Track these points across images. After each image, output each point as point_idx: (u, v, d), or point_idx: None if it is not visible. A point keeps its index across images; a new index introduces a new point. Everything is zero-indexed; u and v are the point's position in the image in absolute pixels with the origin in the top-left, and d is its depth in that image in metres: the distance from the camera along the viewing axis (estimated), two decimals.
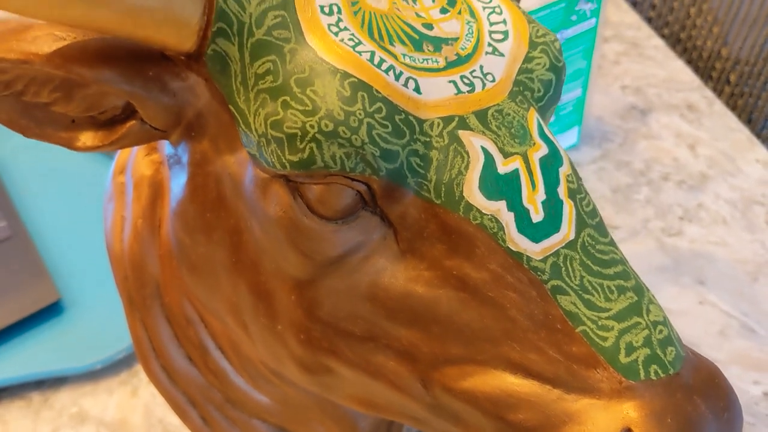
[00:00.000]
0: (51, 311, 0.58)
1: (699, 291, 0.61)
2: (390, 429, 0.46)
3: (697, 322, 0.59)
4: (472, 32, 0.30)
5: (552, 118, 0.68)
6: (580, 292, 0.28)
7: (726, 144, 0.72)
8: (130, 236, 0.39)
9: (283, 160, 0.27)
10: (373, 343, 0.30)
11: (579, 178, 0.30)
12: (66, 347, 0.56)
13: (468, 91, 0.29)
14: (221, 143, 0.30)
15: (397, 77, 0.28)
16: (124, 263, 0.40)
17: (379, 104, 0.27)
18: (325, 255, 0.29)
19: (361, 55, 0.27)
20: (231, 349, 0.39)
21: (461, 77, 0.29)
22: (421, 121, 0.28)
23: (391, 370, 0.30)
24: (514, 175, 0.28)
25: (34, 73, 0.28)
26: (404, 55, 0.28)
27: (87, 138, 0.31)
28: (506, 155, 0.28)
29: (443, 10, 0.30)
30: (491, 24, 0.31)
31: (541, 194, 0.29)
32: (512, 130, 0.29)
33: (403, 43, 0.29)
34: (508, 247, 0.28)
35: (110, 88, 0.28)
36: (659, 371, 0.27)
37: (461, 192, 0.28)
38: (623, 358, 0.27)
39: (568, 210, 0.29)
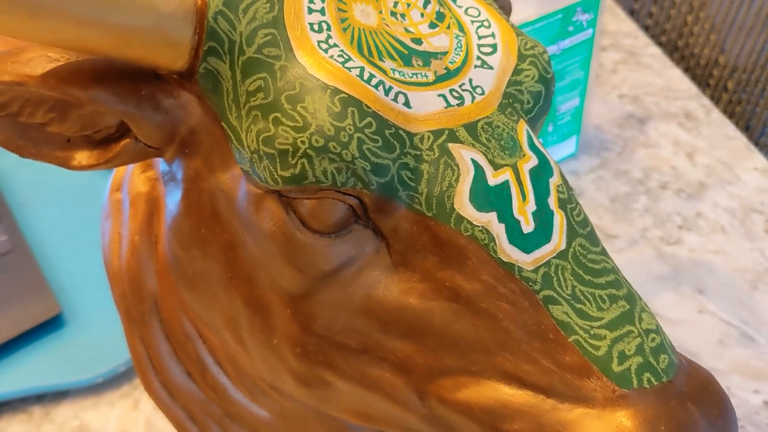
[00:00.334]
0: (52, 325, 0.58)
1: (698, 300, 0.61)
2: None
3: (697, 331, 0.59)
4: (461, 46, 0.31)
5: (550, 128, 0.69)
6: (572, 302, 0.28)
7: (724, 152, 0.72)
8: (128, 253, 0.39)
9: (276, 176, 0.27)
10: (368, 355, 0.30)
11: (570, 188, 0.31)
12: (67, 361, 0.56)
13: (457, 105, 0.29)
14: (214, 160, 0.30)
15: (387, 92, 0.28)
16: (122, 279, 0.40)
17: (369, 119, 0.27)
18: (319, 269, 0.29)
19: (350, 71, 0.28)
20: (229, 364, 0.39)
21: (450, 91, 0.29)
22: (411, 135, 0.28)
23: (386, 383, 0.30)
24: (505, 186, 0.29)
25: (29, 94, 0.28)
26: (393, 70, 0.29)
27: (82, 157, 0.31)
28: (496, 167, 0.29)
29: (432, 25, 0.31)
30: (480, 37, 0.31)
31: (531, 205, 0.29)
32: (502, 142, 0.29)
33: (392, 58, 0.29)
34: (499, 258, 0.28)
35: (104, 108, 0.29)
36: (652, 379, 0.27)
37: (452, 204, 0.28)
38: (616, 367, 0.27)
39: (559, 220, 0.29)
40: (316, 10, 0.29)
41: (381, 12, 0.30)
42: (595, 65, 0.67)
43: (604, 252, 0.30)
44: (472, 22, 0.32)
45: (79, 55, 0.28)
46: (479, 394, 0.28)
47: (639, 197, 0.68)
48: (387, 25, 0.30)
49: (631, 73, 0.80)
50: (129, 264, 0.39)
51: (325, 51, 0.28)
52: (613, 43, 0.83)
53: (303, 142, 0.27)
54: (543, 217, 0.29)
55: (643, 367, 0.27)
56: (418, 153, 0.28)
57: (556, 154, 0.71)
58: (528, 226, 0.28)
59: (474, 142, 0.29)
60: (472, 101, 0.30)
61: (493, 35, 0.32)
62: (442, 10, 0.31)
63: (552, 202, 0.29)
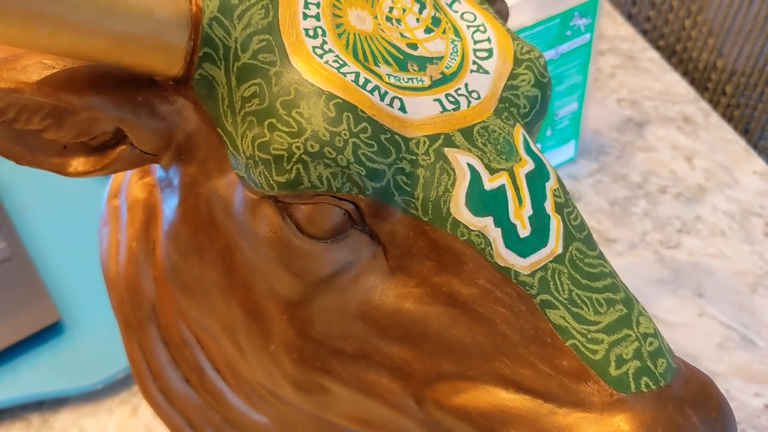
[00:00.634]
0: (51, 332, 0.58)
1: (698, 303, 0.61)
2: None
3: (697, 334, 0.59)
4: (457, 51, 0.31)
5: (549, 132, 0.69)
6: (569, 306, 0.28)
7: (723, 156, 0.72)
8: (125, 259, 0.39)
9: (271, 181, 0.27)
10: (365, 361, 0.30)
11: (566, 193, 0.31)
12: (66, 367, 0.56)
13: (453, 109, 0.29)
14: (211, 165, 0.30)
15: (382, 97, 0.28)
16: (120, 286, 0.40)
17: (364, 124, 0.27)
18: (316, 274, 0.29)
19: (345, 76, 0.28)
20: (227, 369, 0.39)
21: (446, 95, 0.29)
22: (407, 140, 0.28)
23: (384, 388, 0.30)
24: (501, 191, 0.29)
25: (25, 101, 0.28)
26: (389, 75, 0.29)
27: (79, 164, 0.31)
28: (492, 171, 0.29)
29: (428, 30, 0.31)
30: (475, 42, 0.31)
31: (527, 209, 0.29)
32: (498, 146, 0.29)
33: (387, 63, 0.29)
34: (496, 263, 0.28)
35: (100, 114, 0.29)
36: (650, 383, 0.27)
37: (448, 209, 0.28)
38: (613, 371, 0.27)
39: (556, 224, 0.29)
40: (311, 16, 0.29)
41: (376, 17, 0.30)
42: (593, 70, 0.67)
43: (601, 256, 0.30)
44: (468, 26, 0.32)
45: (74, 62, 0.28)
46: (477, 398, 0.28)
47: (638, 201, 0.68)
48: (382, 30, 0.30)
49: (630, 78, 0.80)
50: (126, 270, 0.39)
51: (320, 56, 0.28)
52: (611, 47, 0.83)
53: (298, 148, 0.27)
54: (539, 221, 0.29)
55: (641, 372, 0.27)
56: (414, 158, 0.28)
57: (554, 158, 0.71)
58: (524, 231, 0.28)
59: (470, 146, 0.29)
60: (468, 106, 0.30)
61: (488, 40, 0.32)
62: (437, 15, 0.31)
63: (548, 206, 0.29)
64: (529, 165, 0.30)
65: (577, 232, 0.30)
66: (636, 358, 0.27)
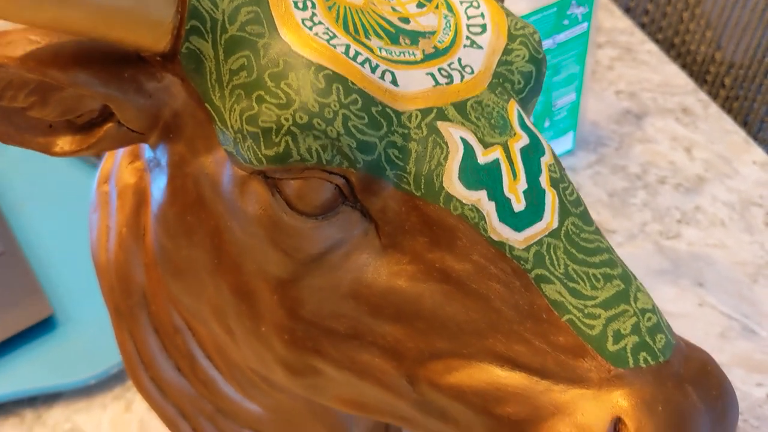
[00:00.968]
0: (44, 326, 0.57)
1: (698, 293, 0.60)
2: None
3: (698, 324, 0.58)
4: (450, 26, 0.30)
5: (546, 123, 0.68)
6: (565, 281, 0.27)
7: (722, 146, 0.71)
8: (115, 245, 0.39)
9: (260, 155, 0.27)
10: (357, 341, 0.30)
11: (562, 168, 0.30)
12: (59, 363, 0.56)
13: (446, 83, 0.29)
14: (198, 143, 0.30)
15: (373, 70, 0.28)
16: (110, 273, 0.39)
17: (354, 96, 0.27)
18: (306, 252, 0.29)
19: (335, 48, 0.27)
20: (219, 356, 0.38)
21: (439, 69, 0.29)
22: (398, 113, 0.28)
23: (376, 368, 0.30)
24: (495, 164, 0.28)
25: (10, 76, 0.28)
26: (380, 49, 0.28)
27: (65, 143, 0.30)
28: (486, 145, 0.28)
29: (420, 5, 0.30)
30: (469, 17, 0.31)
31: (522, 183, 0.28)
32: (492, 120, 0.29)
33: (379, 36, 0.29)
34: (490, 237, 0.27)
35: (85, 90, 0.28)
36: (648, 359, 0.26)
37: (441, 183, 0.27)
38: (611, 346, 0.26)
39: (551, 199, 0.28)
40: None
41: None
42: (591, 61, 0.67)
43: (597, 232, 0.29)
44: (461, 2, 0.31)
45: (61, 37, 0.28)
46: (471, 377, 0.28)
47: (637, 192, 0.67)
48: (373, 4, 0.29)
49: (628, 70, 0.79)
50: (117, 257, 0.39)
51: (310, 29, 0.27)
52: (609, 40, 0.83)
53: (287, 120, 0.26)
54: (534, 195, 0.28)
55: (639, 347, 0.27)
56: (406, 131, 0.28)
57: None
58: (519, 205, 0.28)
59: (463, 120, 0.28)
60: (461, 80, 0.29)
61: (482, 15, 0.31)
62: None
63: (544, 180, 0.29)
64: (524, 140, 0.29)
65: (573, 207, 0.29)
66: (634, 334, 0.27)
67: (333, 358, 0.30)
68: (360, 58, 0.28)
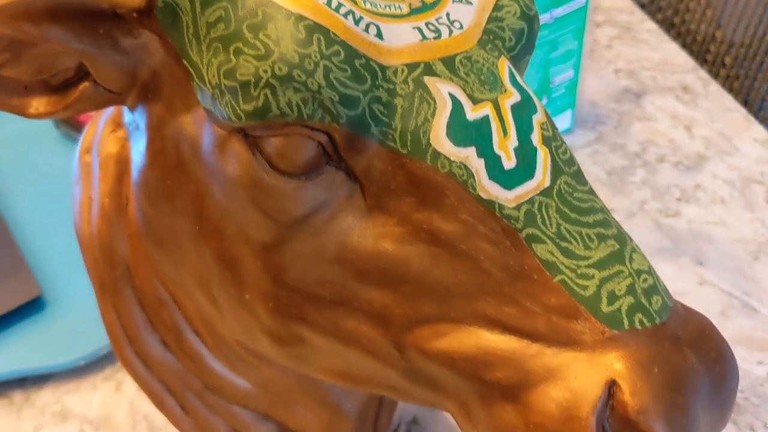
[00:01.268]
0: (32, 307, 0.56)
1: (698, 271, 0.59)
2: (379, 413, 0.44)
3: (698, 302, 0.57)
4: None
5: (544, 101, 0.67)
6: (557, 241, 0.26)
7: (723, 124, 0.70)
8: (98, 217, 0.37)
9: (238, 111, 0.26)
10: (343, 307, 0.29)
11: (555, 128, 0.29)
12: (48, 344, 0.55)
13: (434, 38, 0.28)
14: (177, 103, 0.29)
15: (357, 22, 0.26)
16: (93, 246, 0.38)
17: (336, 47, 0.26)
18: (289, 215, 0.28)
19: None
20: (205, 329, 0.37)
21: (426, 24, 0.28)
22: (383, 68, 0.27)
23: (363, 335, 0.29)
24: (484, 121, 0.27)
25: None
26: (365, 1, 0.27)
27: (40, 104, 0.30)
28: (475, 101, 0.27)
29: None
30: None
31: (513, 141, 0.27)
32: (482, 76, 0.28)
33: None
34: (479, 195, 0.26)
35: (59, 46, 0.27)
36: (644, 320, 0.25)
37: (428, 139, 0.26)
38: (605, 307, 0.25)
39: (543, 157, 0.27)
40: None
41: None
42: (590, 39, 0.66)
43: (592, 192, 0.28)
44: None
45: None
46: (460, 342, 0.27)
47: (636, 170, 0.66)
48: None
49: (627, 48, 0.78)
50: (99, 229, 0.38)
51: None
52: (608, 19, 0.82)
53: (265, 71, 0.25)
54: (525, 153, 0.27)
55: (635, 308, 0.25)
56: (392, 86, 0.27)
57: None
58: (509, 162, 0.27)
59: (452, 75, 0.27)
60: (450, 35, 0.28)
61: None
62: None
63: (535, 138, 0.28)
64: (515, 97, 0.28)
65: (566, 167, 0.28)
66: (629, 294, 0.26)
67: (318, 325, 0.29)
68: (343, 10, 0.26)
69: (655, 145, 0.68)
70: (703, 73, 0.75)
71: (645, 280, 0.26)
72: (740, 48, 0.80)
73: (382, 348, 0.28)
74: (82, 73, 0.29)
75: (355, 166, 0.27)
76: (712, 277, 0.58)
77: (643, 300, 0.26)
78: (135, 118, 0.31)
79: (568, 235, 0.26)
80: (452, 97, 0.27)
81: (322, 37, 0.25)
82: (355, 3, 0.27)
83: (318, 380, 0.39)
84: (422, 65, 0.27)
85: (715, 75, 0.84)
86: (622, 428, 0.24)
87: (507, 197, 0.26)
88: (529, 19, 0.30)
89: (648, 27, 0.80)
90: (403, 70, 0.27)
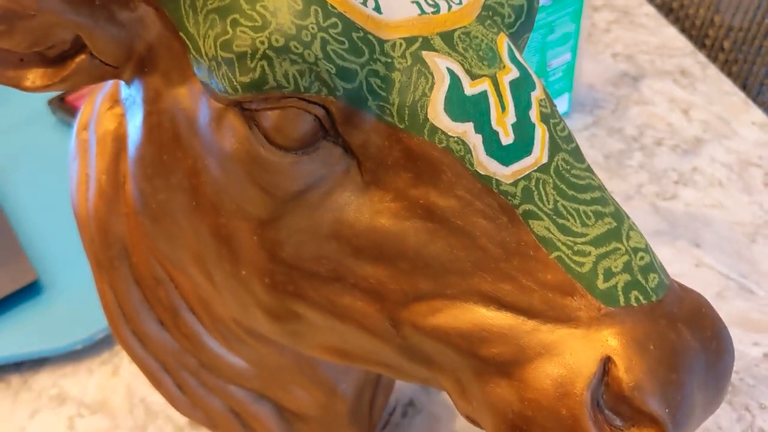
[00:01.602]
0: (28, 292, 0.56)
1: (695, 254, 0.59)
2: (375, 394, 0.44)
3: (695, 284, 0.57)
4: None
5: (548, 77, 0.67)
6: (554, 217, 0.26)
7: (721, 107, 0.70)
8: (95, 194, 0.37)
9: (235, 83, 0.25)
10: (339, 283, 0.28)
11: (553, 105, 0.29)
12: (45, 328, 0.55)
13: (433, 12, 0.27)
14: (174, 76, 0.28)
15: None
16: (90, 224, 0.38)
17: (334, 19, 0.25)
18: (285, 189, 0.27)
19: None
20: (202, 308, 0.37)
21: None
22: (381, 41, 0.26)
23: (359, 312, 0.29)
24: (482, 96, 0.27)
25: None
26: None
27: (36, 76, 0.29)
28: (474, 77, 0.27)
29: None
30: None
31: (511, 117, 0.27)
32: (480, 52, 0.27)
33: None
34: (476, 171, 0.26)
35: (55, 18, 0.27)
36: (640, 297, 0.25)
37: (425, 114, 0.26)
38: (601, 284, 0.25)
39: (541, 133, 0.27)
40: None
41: None
42: (588, 24, 0.65)
43: (589, 169, 0.28)
44: None
45: None
46: (455, 318, 0.27)
47: (633, 154, 0.66)
48: None
49: (625, 32, 0.78)
50: (96, 206, 0.37)
51: None
52: (606, 3, 0.81)
53: (262, 43, 0.25)
54: (523, 129, 0.27)
55: (631, 285, 0.25)
56: (389, 60, 0.26)
57: None
58: (507, 138, 0.27)
59: (450, 51, 0.27)
60: (449, 10, 0.28)
61: None
62: None
63: (534, 115, 0.27)
64: (514, 73, 0.28)
65: (564, 144, 0.28)
66: (626, 272, 0.26)
67: (314, 301, 0.29)
68: None
69: (652, 128, 0.68)
70: (702, 57, 0.75)
71: (642, 257, 0.26)
72: (739, 32, 0.80)
73: (377, 324, 0.28)
74: (78, 46, 0.29)
75: (352, 141, 0.27)
76: (709, 259, 0.58)
77: (640, 277, 0.26)
78: (132, 93, 0.31)
79: (565, 212, 0.26)
80: (450, 72, 0.27)
81: (319, 9, 0.25)
82: None
83: (314, 360, 0.39)
84: (420, 40, 0.27)
85: (714, 59, 0.83)
86: (617, 404, 0.24)
87: (504, 173, 0.26)
88: None
89: (646, 11, 0.80)
90: (401, 44, 0.27)
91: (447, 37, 0.27)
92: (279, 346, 0.37)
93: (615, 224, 0.27)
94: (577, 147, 0.28)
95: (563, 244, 0.26)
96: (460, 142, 0.26)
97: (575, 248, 0.26)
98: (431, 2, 0.28)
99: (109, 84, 0.36)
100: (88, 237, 0.39)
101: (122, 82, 0.32)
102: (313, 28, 0.25)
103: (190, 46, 0.27)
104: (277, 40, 0.25)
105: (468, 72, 0.27)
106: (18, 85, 0.29)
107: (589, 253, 0.26)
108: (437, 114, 0.26)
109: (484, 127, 0.26)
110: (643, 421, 0.24)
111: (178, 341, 0.39)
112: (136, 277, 0.38)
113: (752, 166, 0.65)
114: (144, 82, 0.29)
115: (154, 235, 0.33)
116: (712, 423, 0.49)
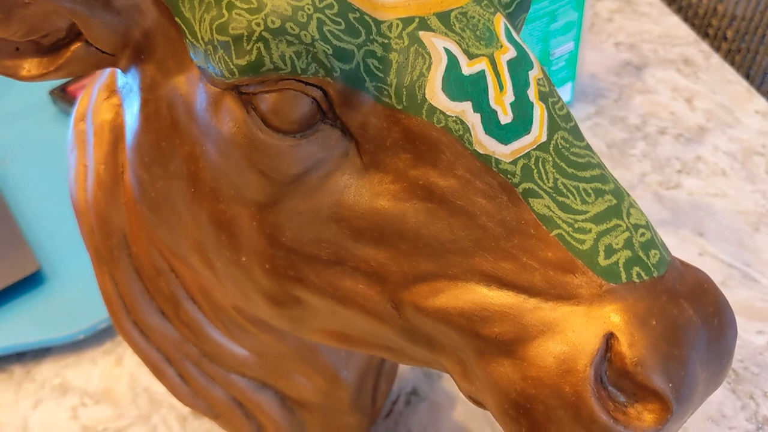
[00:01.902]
0: (31, 282, 0.56)
1: (699, 243, 0.59)
2: (378, 382, 0.44)
3: None
4: None
5: (551, 67, 0.66)
6: (554, 195, 0.26)
7: (724, 96, 0.70)
8: (94, 185, 0.37)
9: (231, 66, 0.25)
10: (340, 267, 0.28)
11: (551, 84, 0.29)
12: (47, 318, 0.55)
13: None
14: (170, 63, 0.28)
15: None
16: (89, 215, 0.38)
17: (330, 0, 0.25)
18: (284, 173, 0.27)
19: None
20: (203, 297, 0.37)
21: None
22: (378, 22, 0.26)
23: (360, 294, 0.28)
24: (480, 76, 0.27)
25: None
26: None
27: (32, 65, 0.29)
28: (471, 57, 0.27)
29: None
30: None
31: (509, 95, 0.27)
32: (477, 32, 0.27)
33: None
34: (475, 150, 0.26)
35: (50, 5, 0.27)
36: (642, 274, 0.25)
37: (423, 94, 0.26)
38: (602, 261, 0.25)
39: (539, 112, 0.27)
40: None
41: None
42: (590, 13, 0.65)
43: (588, 147, 0.28)
44: None
45: None
46: (457, 298, 0.26)
47: (637, 143, 0.66)
48: None
49: (628, 22, 0.77)
50: (95, 197, 0.37)
51: None
52: None
53: (258, 24, 0.25)
54: (522, 107, 0.27)
55: (632, 261, 0.25)
56: (386, 41, 0.26)
57: None
58: (506, 117, 0.26)
59: (447, 31, 0.27)
60: None
61: None
62: None
63: (532, 93, 0.27)
64: (511, 52, 0.28)
65: (563, 122, 0.28)
66: (627, 248, 0.25)
67: (315, 286, 0.29)
68: None
69: (655, 117, 0.68)
70: (705, 46, 0.74)
71: (643, 234, 0.26)
72: (742, 21, 0.80)
73: (379, 307, 0.28)
74: (73, 34, 0.29)
75: (350, 123, 0.27)
76: (712, 248, 0.58)
77: (641, 254, 0.25)
78: (128, 81, 0.30)
79: (564, 190, 0.26)
80: (447, 51, 0.26)
81: None
82: None
83: (315, 347, 0.39)
84: (417, 20, 0.27)
85: (717, 49, 0.83)
86: (620, 380, 0.24)
87: (503, 152, 0.26)
88: None
89: (649, 0, 0.80)
90: (397, 25, 0.26)
91: (444, 17, 0.27)
92: (280, 334, 0.37)
93: (615, 201, 0.26)
94: (576, 125, 0.28)
95: (564, 221, 0.26)
96: (458, 121, 0.26)
97: (576, 226, 0.26)
98: None
99: (106, 74, 0.36)
100: (87, 228, 0.39)
101: (118, 71, 0.32)
102: (309, 9, 0.25)
103: (186, 31, 0.27)
104: (273, 22, 0.25)
105: (465, 52, 0.27)
106: (14, 75, 0.29)
107: (590, 231, 0.26)
108: (435, 94, 0.26)
109: (482, 106, 0.26)
110: (646, 396, 0.24)
111: (179, 331, 0.39)
112: (136, 268, 0.38)
113: (756, 154, 0.64)
114: (140, 69, 0.29)
115: (154, 223, 0.33)
116: (716, 411, 0.49)
